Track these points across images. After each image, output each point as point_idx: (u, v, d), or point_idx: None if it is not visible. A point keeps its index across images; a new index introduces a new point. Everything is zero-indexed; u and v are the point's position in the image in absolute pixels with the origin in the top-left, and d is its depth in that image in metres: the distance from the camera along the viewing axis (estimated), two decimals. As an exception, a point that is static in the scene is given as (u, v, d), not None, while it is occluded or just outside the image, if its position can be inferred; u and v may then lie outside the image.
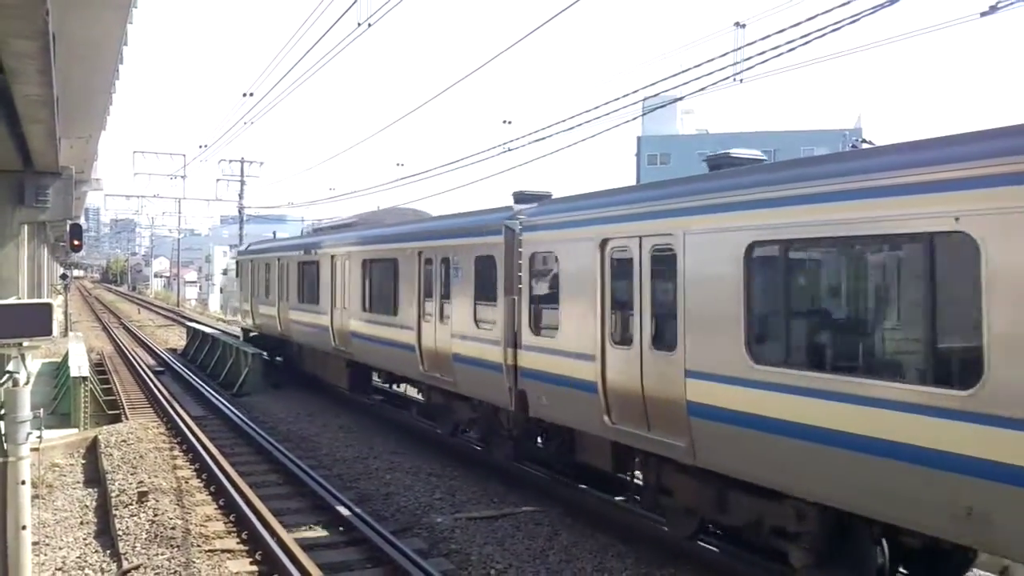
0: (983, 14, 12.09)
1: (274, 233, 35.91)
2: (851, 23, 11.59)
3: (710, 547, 10.26)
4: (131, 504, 12.29)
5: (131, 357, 32.60)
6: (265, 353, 26.35)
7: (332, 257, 19.99)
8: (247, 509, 11.61)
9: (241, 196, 55.78)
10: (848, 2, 11.54)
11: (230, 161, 55.15)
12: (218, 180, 55.65)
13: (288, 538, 10.35)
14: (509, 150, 22.13)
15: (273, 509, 11.65)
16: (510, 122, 57.72)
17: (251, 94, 30.21)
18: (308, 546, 10.30)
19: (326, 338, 20.33)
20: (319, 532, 11.29)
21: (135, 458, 15.14)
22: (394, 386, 21.57)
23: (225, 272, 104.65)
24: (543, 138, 19.43)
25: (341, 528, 11.33)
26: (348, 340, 19.03)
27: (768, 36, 12.94)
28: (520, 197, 13.55)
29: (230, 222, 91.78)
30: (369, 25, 16.43)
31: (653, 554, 10.24)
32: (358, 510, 11.64)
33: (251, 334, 29.67)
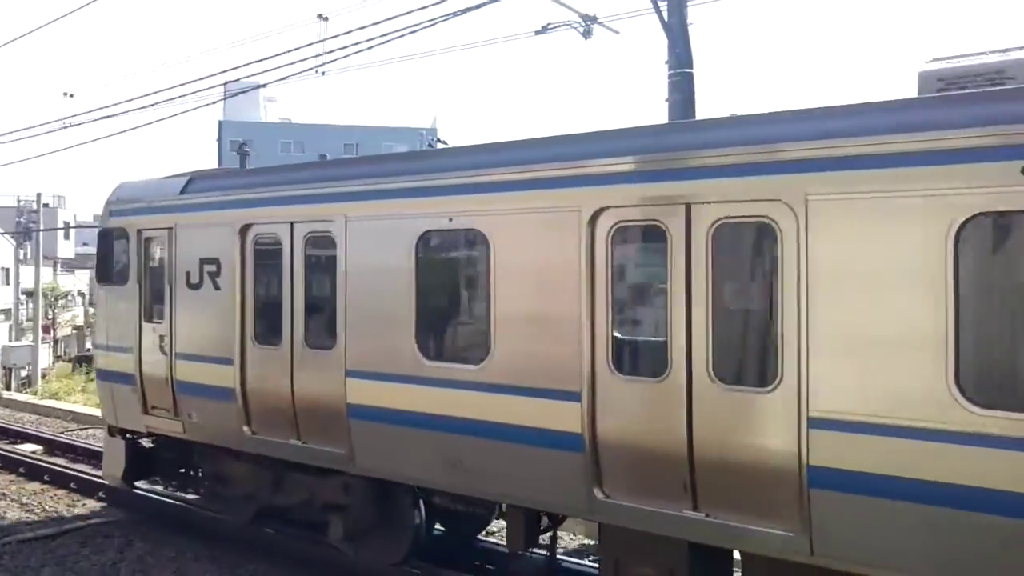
0: (537, 32, 13.74)
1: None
2: (428, 27, 12.33)
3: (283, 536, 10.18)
4: None
5: None
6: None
7: None
8: None
9: None
10: (425, 7, 12.26)
11: None
12: None
13: None
14: (71, 125, 20.15)
15: None
16: (72, 95, 51.93)
17: None
18: None
19: None
20: None
21: None
22: None
23: None
24: (113, 115, 17.92)
25: None
26: None
27: (350, 31, 13.26)
28: None
29: None
30: None
31: (233, 552, 9.94)
32: None
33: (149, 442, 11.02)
